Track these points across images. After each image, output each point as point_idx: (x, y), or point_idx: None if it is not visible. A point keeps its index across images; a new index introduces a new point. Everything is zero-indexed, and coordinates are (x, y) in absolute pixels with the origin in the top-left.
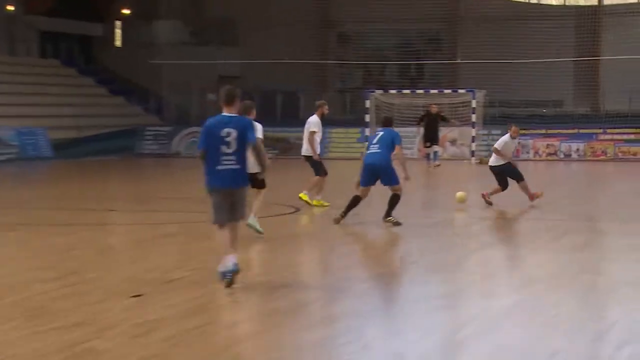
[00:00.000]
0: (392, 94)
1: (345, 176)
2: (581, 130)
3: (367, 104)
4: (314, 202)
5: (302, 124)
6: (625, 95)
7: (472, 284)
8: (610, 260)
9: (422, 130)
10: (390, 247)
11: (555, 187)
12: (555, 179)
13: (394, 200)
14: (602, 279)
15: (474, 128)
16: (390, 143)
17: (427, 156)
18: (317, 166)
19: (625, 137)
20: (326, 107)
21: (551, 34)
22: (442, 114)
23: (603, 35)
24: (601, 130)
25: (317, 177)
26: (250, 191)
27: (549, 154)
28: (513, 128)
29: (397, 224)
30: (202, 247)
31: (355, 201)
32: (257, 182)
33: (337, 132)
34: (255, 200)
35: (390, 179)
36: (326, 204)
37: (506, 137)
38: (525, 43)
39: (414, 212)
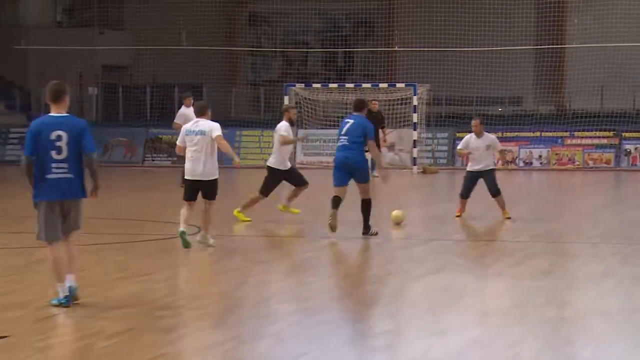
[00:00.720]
0: (316, 88)
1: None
2: (544, 134)
3: (286, 100)
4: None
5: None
6: (596, 91)
7: (415, 319)
8: (578, 289)
9: None
10: (316, 276)
11: (514, 202)
12: (514, 192)
13: (366, 208)
14: (570, 311)
15: (415, 130)
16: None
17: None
18: (296, 177)
19: (596, 141)
20: (293, 111)
21: (508, 17)
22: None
23: (569, 18)
24: (568, 134)
25: (298, 187)
26: (199, 201)
27: (506, 162)
28: (473, 122)
29: (375, 234)
30: (86, 275)
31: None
32: (209, 192)
33: (249, 135)
34: (204, 213)
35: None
36: (247, 219)
37: (468, 136)
38: (476, 28)
39: (343, 232)
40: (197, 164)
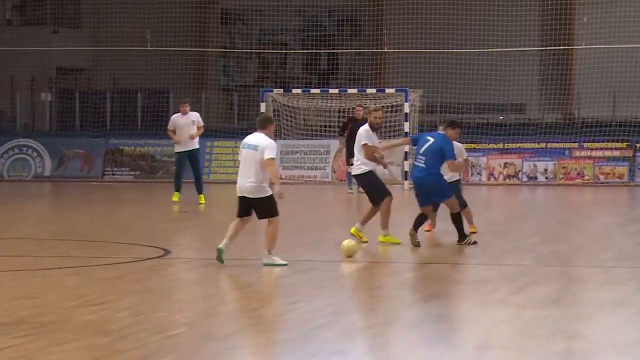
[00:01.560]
0: (296, 93)
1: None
2: (550, 145)
3: (262, 107)
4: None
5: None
6: (607, 97)
7: (406, 353)
8: (589, 319)
9: (344, 141)
10: (296, 303)
11: (517, 221)
12: (517, 210)
13: (457, 219)
14: (580, 344)
15: None
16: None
17: (349, 177)
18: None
19: (607, 153)
20: (377, 114)
21: (510, 15)
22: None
23: (577, 17)
24: (576, 145)
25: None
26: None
27: (508, 176)
28: (441, 127)
29: (473, 243)
30: (39, 302)
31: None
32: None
33: (221, 147)
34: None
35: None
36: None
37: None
38: (475, 27)
39: (321, 254)
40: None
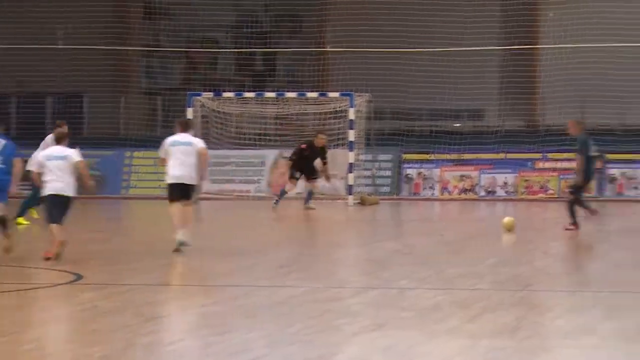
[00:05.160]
0: (228, 97)
1: (154, 226)
2: (510, 155)
3: (190, 112)
4: None
5: (88, 142)
6: (575, 103)
7: None
8: (552, 350)
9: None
10: (222, 334)
11: (474, 241)
12: (473, 228)
13: None
14: None
15: (352, 151)
16: None
17: (308, 194)
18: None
19: (574, 165)
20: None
21: (468, 11)
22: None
23: (542, 13)
24: (540, 155)
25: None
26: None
27: (464, 190)
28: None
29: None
30: None
31: None
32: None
33: (143, 157)
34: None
35: None
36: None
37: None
38: (428, 25)
39: (253, 279)
40: None
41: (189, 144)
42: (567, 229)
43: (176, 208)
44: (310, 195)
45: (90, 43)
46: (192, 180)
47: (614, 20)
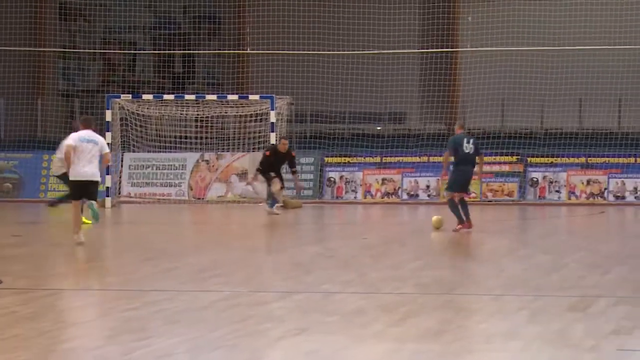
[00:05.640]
0: (147, 100)
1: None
2: (433, 158)
3: (108, 115)
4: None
5: (6, 145)
6: (495, 105)
7: None
8: (476, 353)
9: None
10: (147, 339)
11: (397, 244)
12: (396, 232)
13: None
14: None
15: None
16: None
17: (273, 199)
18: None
19: (496, 168)
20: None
21: (388, 14)
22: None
23: (461, 16)
24: None
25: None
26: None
27: (387, 194)
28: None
29: None
30: None
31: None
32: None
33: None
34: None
35: None
36: None
37: None
38: (349, 27)
39: (176, 283)
40: None
41: (95, 142)
42: (455, 230)
43: (79, 207)
44: (275, 202)
45: (4, 45)
46: (96, 177)
47: (532, 24)
